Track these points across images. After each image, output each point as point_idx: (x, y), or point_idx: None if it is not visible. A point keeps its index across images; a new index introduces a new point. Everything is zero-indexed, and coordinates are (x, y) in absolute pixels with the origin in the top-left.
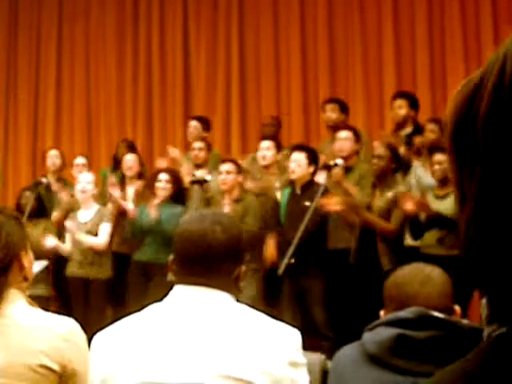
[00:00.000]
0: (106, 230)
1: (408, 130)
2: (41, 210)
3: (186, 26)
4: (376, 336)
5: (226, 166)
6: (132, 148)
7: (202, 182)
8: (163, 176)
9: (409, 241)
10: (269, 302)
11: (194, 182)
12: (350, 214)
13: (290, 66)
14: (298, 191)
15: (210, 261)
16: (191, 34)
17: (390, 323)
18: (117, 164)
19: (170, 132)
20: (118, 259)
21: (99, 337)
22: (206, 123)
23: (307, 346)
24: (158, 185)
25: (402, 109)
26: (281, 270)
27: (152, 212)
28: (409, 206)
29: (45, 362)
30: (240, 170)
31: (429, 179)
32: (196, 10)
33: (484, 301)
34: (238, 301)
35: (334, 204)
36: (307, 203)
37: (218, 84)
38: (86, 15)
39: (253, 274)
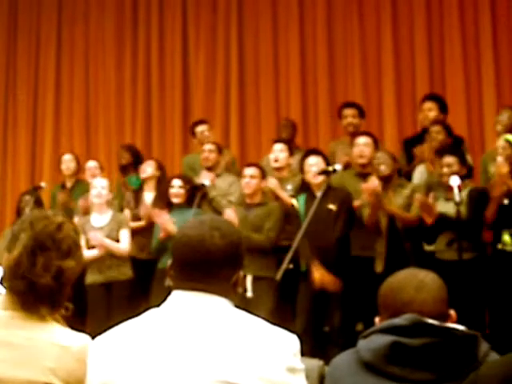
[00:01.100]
0: (126, 236)
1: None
2: None
3: (185, 29)
4: (371, 343)
5: (251, 171)
6: (132, 150)
7: (199, 188)
8: (177, 182)
9: (426, 246)
10: (284, 309)
11: (193, 188)
12: (374, 208)
13: (289, 69)
14: (319, 195)
15: (208, 266)
16: (190, 37)
17: (384, 330)
18: (125, 171)
19: (169, 135)
20: (136, 265)
21: (98, 342)
22: (209, 124)
23: (316, 351)
24: (171, 191)
25: (431, 111)
26: (278, 276)
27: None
28: (428, 219)
29: (53, 381)
30: (264, 175)
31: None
32: (195, 13)
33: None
34: (251, 313)
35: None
36: (331, 206)
37: (217, 87)
38: (86, 18)
39: (269, 284)
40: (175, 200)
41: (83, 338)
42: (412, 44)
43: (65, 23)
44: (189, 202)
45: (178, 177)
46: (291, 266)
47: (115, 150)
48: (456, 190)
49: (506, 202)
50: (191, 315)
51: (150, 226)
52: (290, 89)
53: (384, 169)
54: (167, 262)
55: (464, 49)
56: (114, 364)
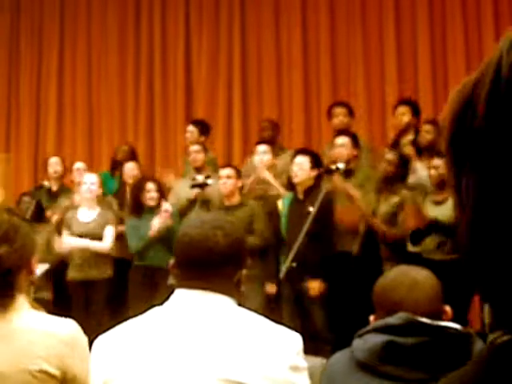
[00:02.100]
0: (110, 233)
1: (410, 136)
2: (41, 216)
3: (187, 26)
4: (365, 343)
5: (227, 171)
6: (132, 153)
7: (202, 186)
8: (151, 185)
9: (410, 247)
10: (269, 306)
11: (194, 186)
12: (352, 211)
13: (291, 68)
14: (301, 196)
15: (211, 265)
16: (193, 36)
17: (378, 330)
18: (115, 167)
19: (172, 135)
20: (117, 263)
21: (100, 340)
22: (204, 127)
23: (308, 349)
24: (147, 194)
25: (404, 116)
26: (282, 275)
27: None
28: (411, 223)
29: (45, 368)
30: (240, 174)
31: (424, 172)
32: (198, 10)
33: (487, 307)
34: (241, 307)
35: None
36: (311, 208)
37: (220, 86)
38: (88, 16)
39: (257, 281)
40: (151, 203)
41: (69, 323)
42: (414, 43)
43: (67, 20)
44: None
45: (151, 180)
46: (294, 264)
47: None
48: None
49: None
50: (194, 313)
51: None
52: (292, 87)
53: (384, 173)
54: (145, 260)
55: (467, 47)
56: (117, 362)
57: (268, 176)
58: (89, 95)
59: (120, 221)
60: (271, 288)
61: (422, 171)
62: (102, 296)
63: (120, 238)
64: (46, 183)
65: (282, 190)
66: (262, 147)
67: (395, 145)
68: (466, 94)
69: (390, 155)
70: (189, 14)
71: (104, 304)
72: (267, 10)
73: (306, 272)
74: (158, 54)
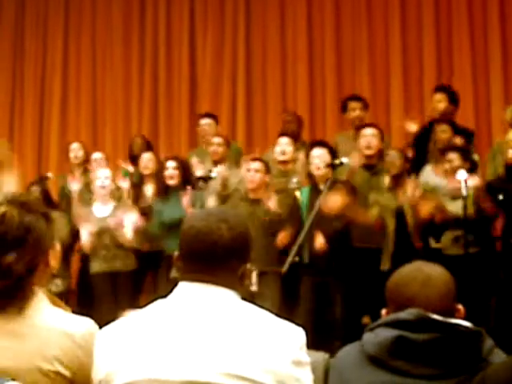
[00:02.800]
0: (131, 220)
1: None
2: (47, 204)
3: (192, 20)
4: (376, 337)
5: (256, 165)
6: (147, 144)
7: (206, 179)
8: (171, 163)
9: (432, 243)
10: (288, 300)
11: (199, 179)
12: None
13: (296, 61)
14: (323, 187)
15: (215, 258)
16: (198, 29)
17: (389, 324)
18: (133, 160)
19: (176, 127)
20: (139, 255)
21: (103, 332)
22: (216, 119)
23: (320, 344)
24: (166, 173)
25: (441, 103)
26: (285, 268)
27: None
28: (424, 210)
29: (58, 369)
30: (268, 170)
31: (436, 180)
32: (203, 3)
33: None
34: (258, 304)
35: (332, 203)
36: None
37: (224, 79)
38: (93, 8)
39: (275, 278)
40: (170, 182)
41: (86, 322)
42: (420, 37)
43: (72, 11)
44: (184, 184)
45: (172, 158)
46: (297, 258)
47: (122, 140)
48: (463, 184)
49: (500, 197)
50: (197, 307)
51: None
52: (297, 81)
53: (392, 169)
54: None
55: (472, 42)
56: (120, 354)
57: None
58: (93, 87)
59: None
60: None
61: (428, 172)
62: (127, 288)
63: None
64: (49, 174)
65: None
66: (285, 139)
67: (428, 132)
68: None
69: (393, 152)
70: (194, 7)
71: (130, 295)
72: (272, 3)
73: (328, 267)
74: (163, 47)
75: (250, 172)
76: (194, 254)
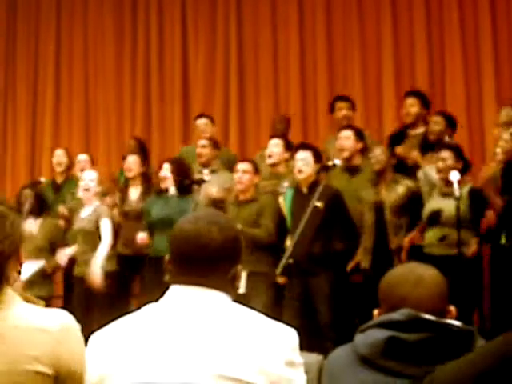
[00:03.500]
0: (106, 225)
1: (420, 129)
2: (40, 208)
3: (184, 23)
4: (368, 338)
5: (244, 165)
6: (139, 147)
7: (200, 183)
8: (166, 165)
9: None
10: (276, 302)
11: (192, 182)
12: None
13: (288, 64)
14: (305, 190)
15: (206, 261)
16: (190, 33)
17: (381, 325)
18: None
19: (169, 132)
20: (122, 260)
21: (96, 336)
22: (212, 119)
23: (310, 346)
24: (160, 174)
25: (413, 107)
26: (278, 271)
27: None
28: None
29: (38, 368)
30: (257, 170)
31: (434, 174)
32: (194, 6)
33: None
34: (249, 306)
35: None
36: (317, 203)
37: (217, 83)
38: (85, 13)
39: (263, 279)
40: (164, 185)
41: (62, 315)
42: (412, 38)
43: (64, 21)
44: (179, 190)
45: (168, 161)
46: (291, 260)
47: (115, 143)
48: (456, 185)
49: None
50: (189, 310)
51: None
52: (289, 83)
53: (376, 164)
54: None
55: (463, 43)
56: (112, 358)
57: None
58: (85, 90)
59: (124, 215)
60: (281, 279)
61: (428, 167)
62: (106, 288)
63: (119, 232)
64: (42, 179)
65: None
66: (274, 141)
67: (401, 136)
68: None
69: (377, 149)
70: (186, 9)
71: (104, 298)
72: (264, 5)
73: (313, 268)
74: (155, 49)
75: (238, 173)
76: (185, 257)
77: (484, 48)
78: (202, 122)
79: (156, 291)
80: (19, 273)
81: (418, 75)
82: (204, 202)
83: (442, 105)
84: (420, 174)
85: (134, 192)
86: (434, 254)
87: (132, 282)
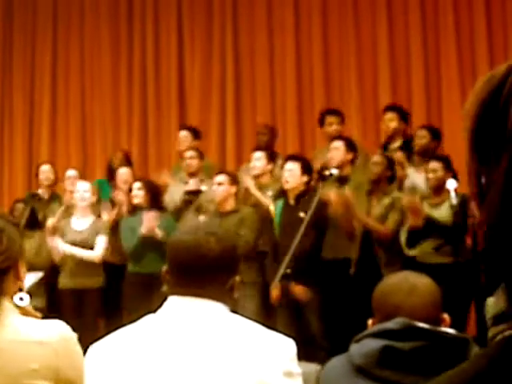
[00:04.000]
0: (102, 243)
1: (398, 143)
2: (34, 223)
3: (180, 33)
4: (363, 348)
5: (219, 178)
6: (127, 159)
7: (196, 193)
8: (136, 184)
9: (406, 251)
10: (265, 312)
11: (189, 193)
12: (348, 217)
13: (284, 75)
14: (292, 202)
15: (204, 271)
16: (185, 44)
17: (376, 335)
18: (111, 174)
19: (165, 142)
20: (109, 269)
21: (94, 348)
22: (196, 132)
23: (303, 356)
24: (132, 193)
25: (392, 122)
26: (277, 280)
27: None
28: (416, 221)
29: (39, 383)
30: (234, 181)
31: (419, 178)
32: (190, 16)
33: (489, 301)
34: (237, 313)
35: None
36: (302, 214)
37: (213, 94)
38: (81, 25)
39: (252, 287)
40: (135, 201)
41: (59, 327)
42: (408, 51)
43: (60, 32)
44: (151, 204)
45: (139, 180)
46: (288, 270)
47: (111, 154)
48: (453, 194)
49: None
50: (187, 321)
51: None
52: (285, 94)
53: (372, 174)
54: (140, 267)
55: (459, 48)
56: (111, 370)
57: (251, 186)
58: (82, 101)
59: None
60: (275, 291)
61: (416, 177)
62: (93, 305)
63: (113, 243)
64: (39, 191)
65: (263, 200)
66: (257, 154)
67: (384, 150)
68: (495, 82)
69: (376, 157)
70: (181, 20)
71: (96, 313)
72: (260, 15)
73: (301, 278)
74: (151, 60)
75: (215, 185)
76: (183, 268)
77: (479, 53)
78: (181, 134)
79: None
80: (20, 289)
81: (413, 82)
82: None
83: (438, 110)
84: (407, 183)
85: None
86: (429, 263)
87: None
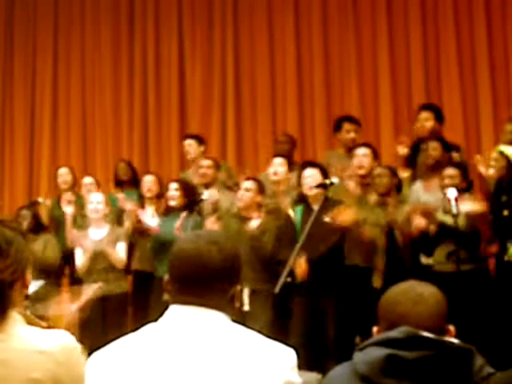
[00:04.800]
0: (122, 249)
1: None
2: (37, 228)
3: (181, 42)
4: (367, 356)
5: (248, 184)
6: (131, 167)
7: (197, 202)
8: (173, 185)
9: (423, 259)
10: (280, 322)
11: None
12: (360, 230)
13: (285, 83)
14: (315, 207)
15: (205, 280)
16: (186, 51)
17: (380, 343)
18: (120, 185)
19: (166, 151)
20: (139, 277)
21: (95, 357)
22: (199, 139)
23: (313, 364)
24: (168, 194)
25: (428, 121)
26: (277, 289)
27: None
28: (420, 222)
29: None
30: (262, 190)
31: (425, 197)
32: (191, 25)
33: None
34: (248, 326)
35: (345, 216)
36: (327, 219)
37: (214, 101)
38: (82, 32)
39: (266, 297)
40: (172, 203)
41: (63, 337)
42: (408, 56)
43: (61, 37)
44: (186, 207)
45: (175, 180)
46: (289, 279)
47: (112, 164)
48: (453, 202)
49: (505, 213)
50: (188, 330)
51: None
52: (286, 100)
53: (380, 187)
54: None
55: (460, 59)
56: (112, 379)
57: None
58: (83, 109)
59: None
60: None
61: (422, 194)
62: (119, 310)
63: (134, 250)
64: (40, 199)
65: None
66: (278, 159)
67: (415, 150)
68: None
69: (379, 169)
70: (182, 27)
71: (122, 316)
72: (260, 23)
73: (320, 287)
74: (152, 68)
75: (241, 190)
76: (185, 277)
77: (479, 55)
78: (186, 142)
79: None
80: (26, 297)
81: (414, 93)
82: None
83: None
84: (412, 199)
85: (150, 211)
86: (443, 272)
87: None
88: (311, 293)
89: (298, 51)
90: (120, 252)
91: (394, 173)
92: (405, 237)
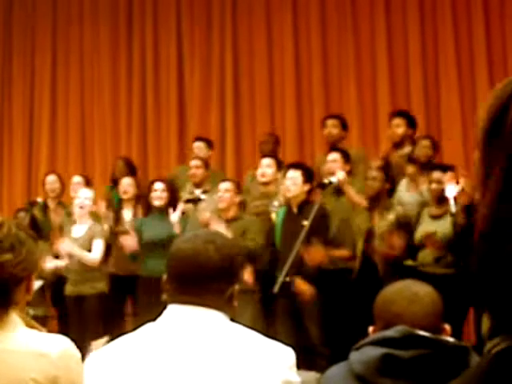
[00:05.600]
0: (99, 246)
1: (407, 149)
2: (35, 231)
3: (179, 44)
4: (362, 356)
5: (225, 185)
6: (129, 166)
7: (196, 201)
8: (159, 185)
9: (408, 262)
10: (264, 321)
11: (188, 201)
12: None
13: (283, 83)
14: (295, 210)
15: (203, 280)
16: (185, 53)
17: (376, 343)
18: (116, 183)
19: (165, 151)
20: (115, 280)
21: (93, 357)
22: (208, 143)
23: (303, 364)
24: (153, 194)
25: (399, 128)
26: (276, 289)
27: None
28: (398, 242)
29: None
30: (240, 190)
31: (407, 197)
32: (190, 25)
33: (486, 315)
34: (234, 322)
35: (317, 256)
36: (305, 222)
37: (213, 102)
38: (80, 35)
39: (250, 295)
40: (156, 203)
41: (62, 341)
42: (406, 55)
43: (59, 39)
44: (169, 207)
45: (161, 180)
46: (288, 279)
47: (111, 164)
48: (452, 201)
49: None
50: (186, 329)
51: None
52: (284, 102)
53: (370, 190)
54: (150, 271)
55: (458, 59)
56: (110, 379)
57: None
58: (82, 110)
59: (114, 235)
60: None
61: (404, 195)
62: (95, 310)
63: (111, 252)
64: (39, 199)
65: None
66: (266, 160)
67: (388, 157)
68: (503, 100)
69: (374, 172)
70: (181, 29)
71: (98, 319)
72: (259, 24)
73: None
74: (151, 69)
75: (220, 192)
76: (183, 277)
77: (478, 57)
78: (196, 145)
79: (151, 311)
80: (27, 302)
81: (412, 93)
82: (198, 224)
83: (436, 118)
84: (395, 198)
85: (128, 213)
86: (429, 273)
87: (125, 303)
88: (293, 294)
89: (297, 51)
90: (94, 250)
91: (388, 178)
92: (381, 254)
